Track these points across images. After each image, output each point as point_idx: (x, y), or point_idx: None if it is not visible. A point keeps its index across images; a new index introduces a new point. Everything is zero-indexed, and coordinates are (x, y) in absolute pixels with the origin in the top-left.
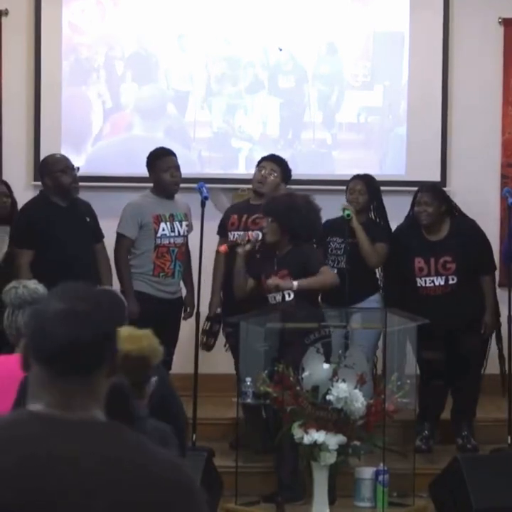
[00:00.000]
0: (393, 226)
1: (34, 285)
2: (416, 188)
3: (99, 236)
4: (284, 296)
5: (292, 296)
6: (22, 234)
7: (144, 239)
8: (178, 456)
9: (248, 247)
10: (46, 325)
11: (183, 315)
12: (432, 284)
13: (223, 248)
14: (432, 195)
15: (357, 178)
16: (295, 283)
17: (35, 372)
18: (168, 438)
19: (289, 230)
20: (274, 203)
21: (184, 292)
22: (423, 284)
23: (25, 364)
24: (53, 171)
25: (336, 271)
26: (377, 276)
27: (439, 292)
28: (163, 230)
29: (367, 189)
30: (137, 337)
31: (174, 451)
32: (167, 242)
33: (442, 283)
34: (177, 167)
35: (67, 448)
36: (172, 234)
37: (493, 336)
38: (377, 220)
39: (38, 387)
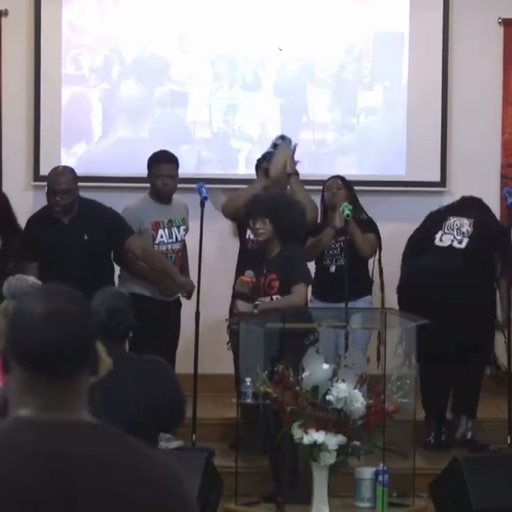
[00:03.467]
0: (393, 226)
1: (33, 280)
2: (417, 189)
3: (122, 237)
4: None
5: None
6: (25, 246)
7: None
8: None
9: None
10: (32, 327)
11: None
12: None
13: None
14: None
15: (333, 177)
16: (256, 309)
17: (18, 375)
18: None
19: (283, 228)
20: (267, 204)
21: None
22: None
23: (5, 366)
24: (47, 187)
25: (334, 268)
26: (372, 279)
27: None
28: (161, 236)
29: (344, 185)
30: None
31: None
32: (165, 248)
33: None
34: (171, 176)
35: (64, 451)
36: (170, 240)
37: None
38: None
39: (22, 390)
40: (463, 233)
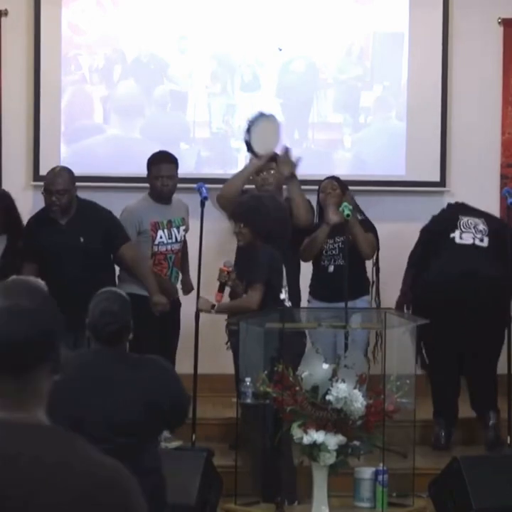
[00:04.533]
0: (393, 226)
1: (34, 279)
2: (417, 189)
3: (118, 243)
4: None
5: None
6: (25, 247)
7: (142, 245)
8: None
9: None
10: None
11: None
12: None
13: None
14: None
15: (329, 178)
16: (214, 309)
17: None
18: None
19: (260, 231)
20: (242, 208)
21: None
22: None
23: None
24: (44, 188)
25: (332, 268)
26: (369, 278)
27: None
28: (161, 237)
29: (339, 185)
30: None
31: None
32: (164, 249)
33: None
34: (170, 176)
35: (7, 449)
36: (169, 241)
37: None
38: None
39: None
40: (481, 232)
